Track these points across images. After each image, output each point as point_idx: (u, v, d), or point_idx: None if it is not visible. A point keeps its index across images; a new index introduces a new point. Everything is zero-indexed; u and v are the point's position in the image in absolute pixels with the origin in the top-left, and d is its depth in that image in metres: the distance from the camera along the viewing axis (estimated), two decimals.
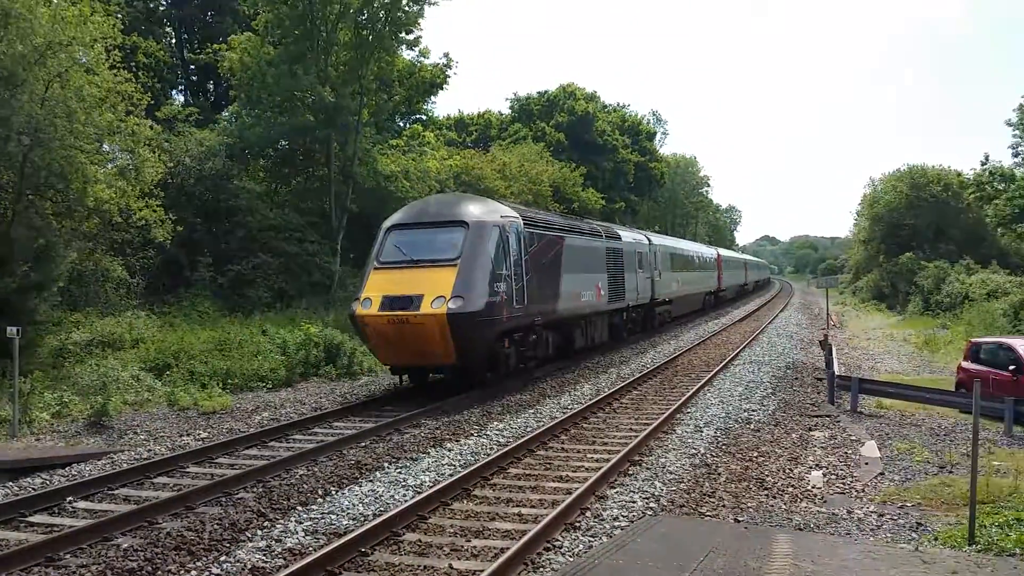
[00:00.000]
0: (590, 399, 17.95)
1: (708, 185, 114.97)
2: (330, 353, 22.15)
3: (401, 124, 45.42)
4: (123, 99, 21.12)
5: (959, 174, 51.68)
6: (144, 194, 21.85)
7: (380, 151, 33.82)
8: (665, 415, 15.65)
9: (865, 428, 15.53)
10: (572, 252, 23.01)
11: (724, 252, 64.91)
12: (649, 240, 33.93)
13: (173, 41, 37.92)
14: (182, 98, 38.92)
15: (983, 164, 33.74)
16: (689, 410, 16.83)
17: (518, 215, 19.86)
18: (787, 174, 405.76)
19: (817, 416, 16.67)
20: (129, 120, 21.17)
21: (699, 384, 19.77)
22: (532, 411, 16.86)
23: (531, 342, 20.69)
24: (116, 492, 11.10)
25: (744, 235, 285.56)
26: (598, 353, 26.51)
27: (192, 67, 38.49)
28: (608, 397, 17.96)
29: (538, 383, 20.40)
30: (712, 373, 21.70)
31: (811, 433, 15.10)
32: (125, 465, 12.43)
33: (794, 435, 14.85)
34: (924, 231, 51.93)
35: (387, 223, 19.11)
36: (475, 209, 18.65)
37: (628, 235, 30.95)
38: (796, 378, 21.77)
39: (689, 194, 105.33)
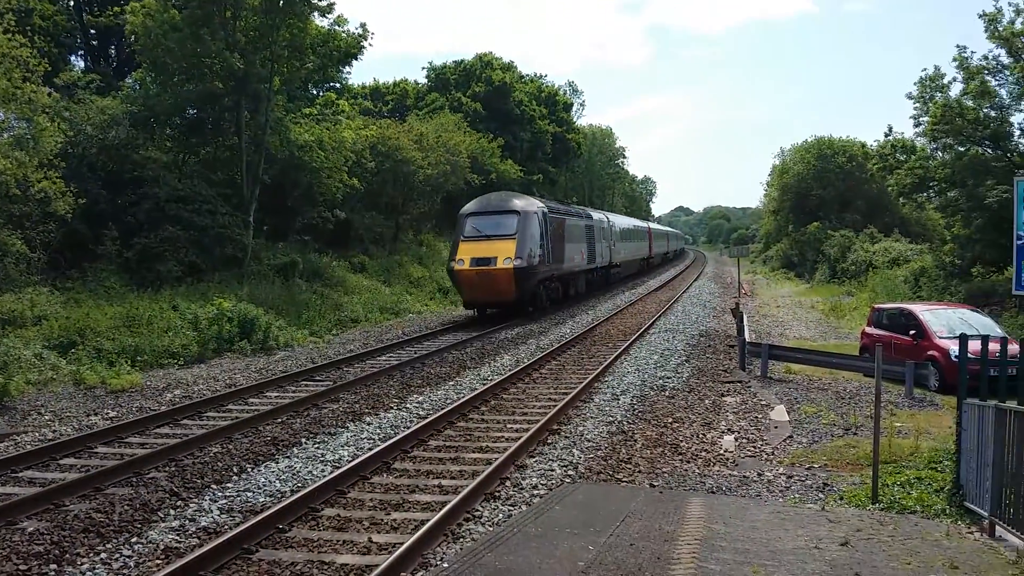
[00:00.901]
0: (510, 370, 18.08)
1: (624, 156, 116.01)
2: (244, 328, 21.72)
3: (314, 92, 44.46)
4: (18, 65, 20.10)
5: (863, 145, 53.38)
6: (43, 165, 20.91)
7: (293, 120, 33.02)
8: (583, 384, 15.88)
9: (774, 393, 16.04)
10: (569, 229, 32.65)
11: (653, 225, 74.43)
12: (607, 217, 43.45)
13: (71, 3, 36.17)
14: (82, 64, 37.22)
15: (886, 135, 34.84)
16: (607, 379, 17.10)
17: (544, 205, 29.78)
18: (701, 146, 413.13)
19: (729, 382, 17.15)
20: (25, 87, 20.18)
21: (616, 353, 20.09)
22: (452, 383, 16.89)
23: (552, 288, 31.02)
24: (20, 475, 10.70)
25: (659, 206, 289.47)
26: (529, 319, 26.81)
27: (92, 31, 36.82)
28: (528, 368, 18.12)
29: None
30: (629, 342, 22.09)
31: (723, 399, 15.52)
32: (29, 447, 11.99)
33: (707, 401, 15.24)
34: (831, 201, 53.65)
35: (464, 211, 28.75)
36: (521, 202, 28.61)
37: (596, 215, 40.34)
38: (709, 346, 22.33)
39: (605, 165, 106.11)
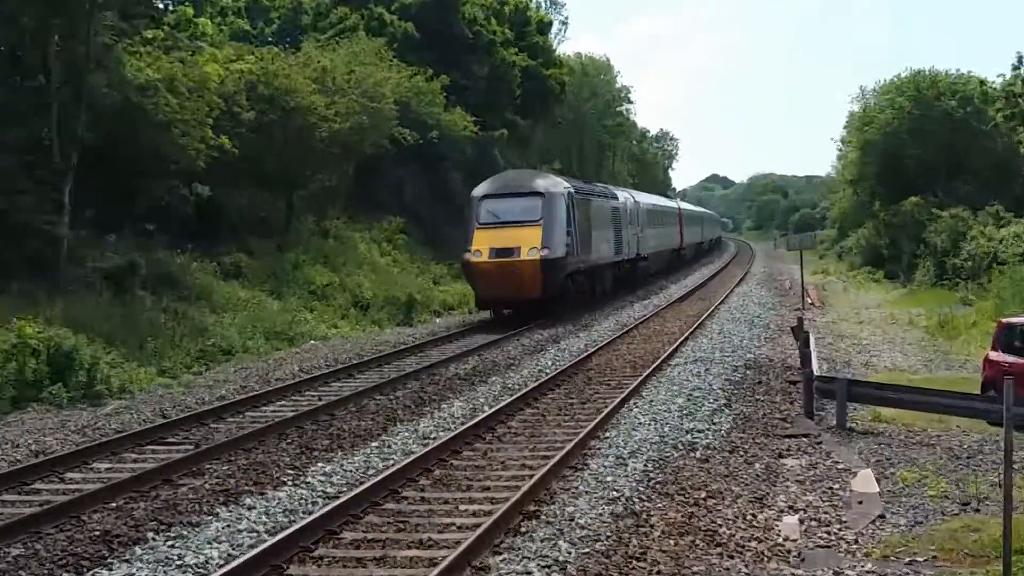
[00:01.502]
0: (463, 422, 18.05)
1: (629, 100, 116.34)
2: (58, 365, 21.47)
3: (162, 7, 44.08)
4: None
5: (982, 83, 53.53)
6: None
7: (129, 48, 32.62)
8: (573, 443, 15.88)
9: (857, 451, 16.15)
10: (595, 213, 39.37)
11: (683, 205, 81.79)
12: (633, 197, 50.47)
13: None
14: None
15: (1015, 69, 35.08)
16: (608, 434, 17.12)
17: (569, 184, 36.69)
18: (741, 89, 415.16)
19: (790, 436, 17.26)
20: None
21: (621, 396, 20.13)
22: (376, 444, 16.85)
23: (579, 283, 37.42)
24: None
25: (683, 175, 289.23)
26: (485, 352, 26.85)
27: None
28: (489, 419, 18.11)
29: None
30: (640, 378, 22.17)
31: (781, 461, 15.62)
32: None
33: (758, 465, 15.32)
34: (935, 164, 54.09)
35: (477, 193, 35.62)
36: (544, 182, 35.94)
37: (621, 194, 47.86)
38: (759, 382, 22.48)
39: (602, 114, 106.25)
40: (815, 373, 19.53)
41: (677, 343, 28.32)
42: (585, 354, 26.32)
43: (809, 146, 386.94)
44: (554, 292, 33.87)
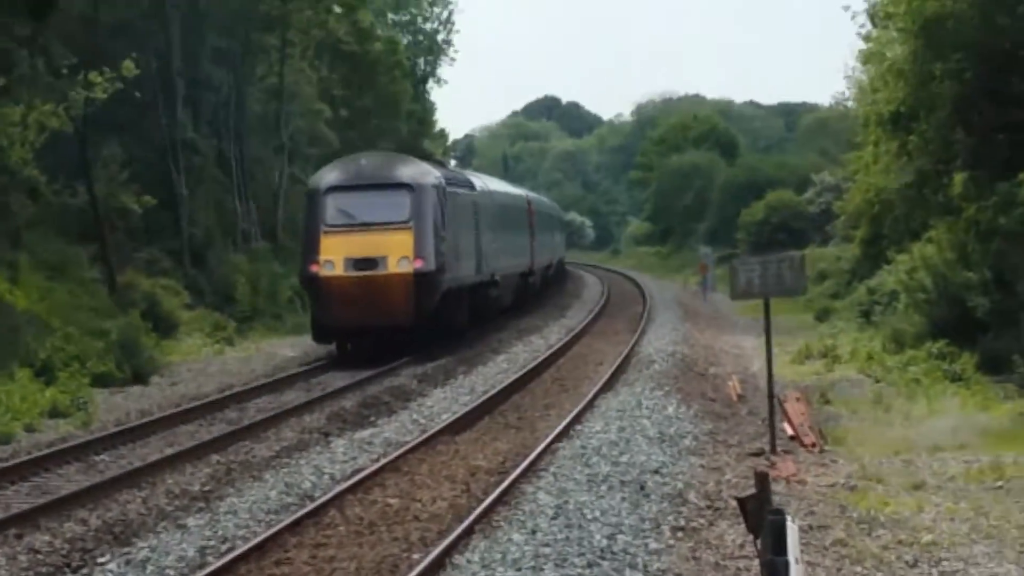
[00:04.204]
0: None
1: None
2: None
3: None
4: None
5: None
6: None
7: None
8: None
9: None
10: (459, 210, 35.32)
11: (532, 195, 59.92)
12: (486, 184, 43.28)
13: None
14: None
15: None
16: None
17: (439, 172, 34.55)
18: None
19: None
20: None
21: None
22: None
23: (451, 309, 33.52)
24: None
25: (467, 98, 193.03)
26: None
27: None
28: None
29: None
30: None
31: None
32: None
33: None
34: None
35: (321, 184, 31.80)
36: (411, 170, 32.64)
37: (477, 181, 41.61)
38: None
39: None
40: None
41: (447, 543, 12.91)
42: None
43: (789, 39, 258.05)
44: (427, 317, 30.53)
